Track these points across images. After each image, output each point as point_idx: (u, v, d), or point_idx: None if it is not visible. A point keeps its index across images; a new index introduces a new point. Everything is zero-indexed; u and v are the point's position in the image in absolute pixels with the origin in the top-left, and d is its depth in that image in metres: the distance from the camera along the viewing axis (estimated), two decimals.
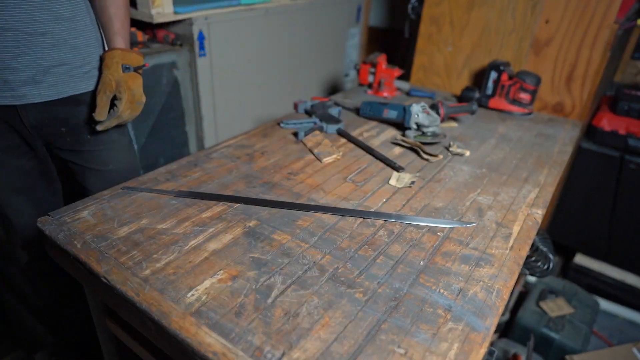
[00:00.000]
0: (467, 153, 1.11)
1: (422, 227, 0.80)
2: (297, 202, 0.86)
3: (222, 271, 0.66)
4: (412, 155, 1.10)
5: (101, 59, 0.99)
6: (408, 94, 1.60)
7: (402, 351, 0.54)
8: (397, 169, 1.01)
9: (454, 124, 1.31)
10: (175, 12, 1.49)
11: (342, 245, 0.73)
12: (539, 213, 0.87)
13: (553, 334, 1.54)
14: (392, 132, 1.23)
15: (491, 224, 0.82)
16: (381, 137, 1.20)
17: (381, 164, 1.04)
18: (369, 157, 1.08)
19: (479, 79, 1.61)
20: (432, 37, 1.66)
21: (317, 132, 1.16)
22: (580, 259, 1.95)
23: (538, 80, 1.38)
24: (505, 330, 1.68)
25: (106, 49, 1.02)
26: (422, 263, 0.70)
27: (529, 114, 1.43)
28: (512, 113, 1.44)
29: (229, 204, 0.83)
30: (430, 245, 0.75)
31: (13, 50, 0.86)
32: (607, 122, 1.71)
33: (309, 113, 1.28)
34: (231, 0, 1.64)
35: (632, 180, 1.70)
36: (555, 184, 1.01)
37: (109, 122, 0.98)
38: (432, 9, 1.63)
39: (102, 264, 0.66)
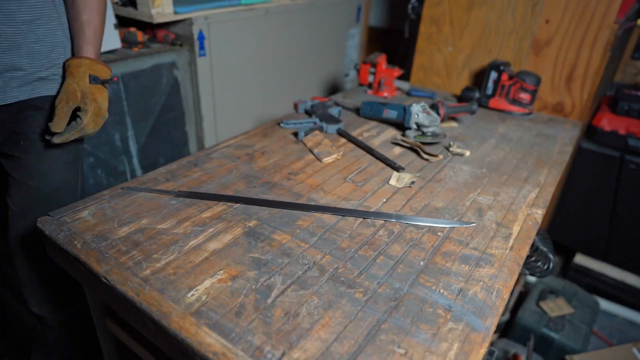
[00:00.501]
0: (467, 153, 1.11)
1: (422, 227, 0.80)
2: (297, 202, 0.86)
3: (222, 271, 0.66)
4: (412, 155, 1.10)
5: (65, 66, 0.92)
6: (408, 94, 1.60)
7: (402, 351, 0.54)
8: (397, 169, 1.01)
9: (454, 124, 1.31)
10: (175, 12, 1.49)
11: (342, 245, 0.73)
12: (539, 213, 0.87)
13: (553, 334, 1.54)
14: (392, 132, 1.23)
15: (491, 224, 0.82)
16: (381, 137, 1.20)
17: (381, 164, 1.04)
18: (369, 157, 1.08)
19: (479, 79, 1.61)
20: (432, 37, 1.66)
21: (317, 132, 1.16)
22: (580, 259, 1.95)
23: (538, 80, 1.38)
24: (505, 330, 1.68)
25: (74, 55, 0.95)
26: (422, 263, 0.70)
27: (529, 114, 1.43)
28: (512, 113, 1.44)
29: (229, 204, 0.83)
30: (430, 245, 0.75)
31: None
32: (607, 122, 1.71)
33: (309, 113, 1.28)
34: (231, 0, 1.64)
35: (632, 180, 1.70)
36: (555, 184, 1.01)
37: (68, 135, 0.89)
38: (432, 9, 1.63)
39: (102, 264, 0.66)
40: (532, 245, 1.16)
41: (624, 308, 1.87)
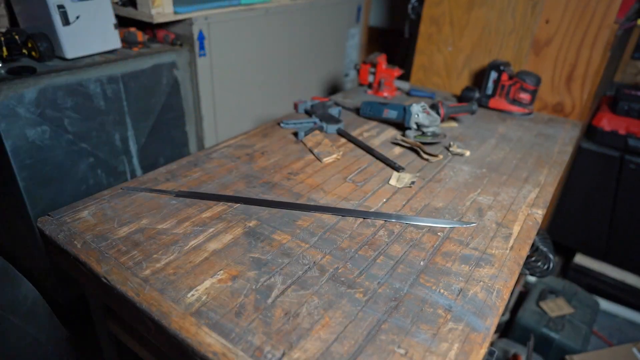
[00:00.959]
0: (467, 153, 1.11)
1: (422, 227, 0.80)
2: (297, 202, 0.86)
3: (222, 271, 0.66)
4: (412, 155, 1.10)
5: None
6: (408, 94, 1.60)
7: (402, 351, 0.54)
8: (397, 169, 1.01)
9: (454, 124, 1.31)
10: (175, 12, 1.49)
11: (342, 245, 0.73)
12: (539, 213, 0.87)
13: (553, 334, 1.54)
14: (392, 132, 1.23)
15: (491, 224, 0.82)
16: (381, 137, 1.20)
17: (381, 164, 1.04)
18: (369, 157, 1.08)
19: (479, 79, 1.61)
20: (432, 37, 1.66)
21: (317, 132, 1.16)
22: (580, 259, 1.95)
23: (538, 80, 1.38)
24: (505, 330, 1.68)
25: None
26: (422, 263, 0.70)
27: (529, 114, 1.43)
28: (512, 113, 1.44)
29: (229, 204, 0.83)
30: (430, 246, 0.75)
31: None
32: (607, 122, 1.71)
33: (309, 113, 1.28)
34: (231, 0, 1.64)
35: (632, 180, 1.70)
36: (555, 184, 1.01)
37: None
38: (432, 9, 1.63)
39: (102, 264, 0.66)
40: (532, 245, 1.16)
41: (624, 308, 1.87)
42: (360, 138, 1.17)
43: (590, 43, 1.37)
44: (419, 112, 1.16)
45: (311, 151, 1.08)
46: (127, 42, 1.48)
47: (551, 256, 1.19)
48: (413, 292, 0.64)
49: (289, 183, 0.93)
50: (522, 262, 0.73)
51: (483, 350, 0.55)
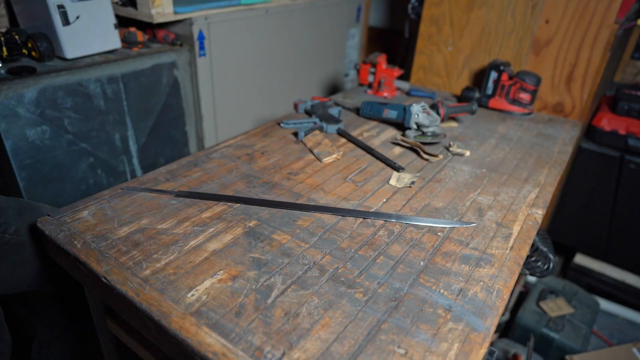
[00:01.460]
0: (467, 153, 1.11)
1: (422, 227, 0.80)
2: (297, 202, 0.86)
3: (222, 271, 0.66)
4: (412, 155, 1.10)
5: None
6: (408, 94, 1.60)
7: (402, 351, 0.54)
8: (397, 169, 1.01)
9: (454, 124, 1.31)
10: (175, 12, 1.49)
11: (342, 245, 0.73)
12: (539, 213, 0.87)
13: (553, 334, 1.54)
14: (392, 132, 1.23)
15: (491, 224, 0.82)
16: (381, 137, 1.20)
17: (381, 164, 1.04)
18: (369, 157, 1.08)
19: (479, 79, 1.61)
20: (432, 37, 1.66)
21: (317, 132, 1.16)
22: (580, 259, 1.95)
23: (538, 80, 1.38)
24: (505, 330, 1.68)
25: None
26: (422, 263, 0.70)
27: (529, 114, 1.43)
28: (512, 113, 1.44)
29: (229, 204, 0.83)
30: (430, 245, 0.75)
31: None
32: (607, 122, 1.71)
33: (309, 113, 1.28)
34: (231, 0, 1.64)
35: (632, 180, 1.70)
36: (555, 184, 1.01)
37: None
38: (432, 9, 1.63)
39: (102, 264, 0.66)
40: (532, 245, 1.16)
41: (624, 308, 1.87)
42: (360, 138, 1.17)
43: (590, 43, 1.37)
44: (419, 112, 1.16)
45: (311, 151, 1.08)
46: (127, 42, 1.48)
47: (551, 256, 1.19)
48: (413, 292, 0.64)
49: (289, 183, 0.93)
50: (522, 262, 0.73)
51: (483, 350, 0.55)
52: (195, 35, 1.53)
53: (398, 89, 1.59)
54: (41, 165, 1.26)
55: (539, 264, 1.17)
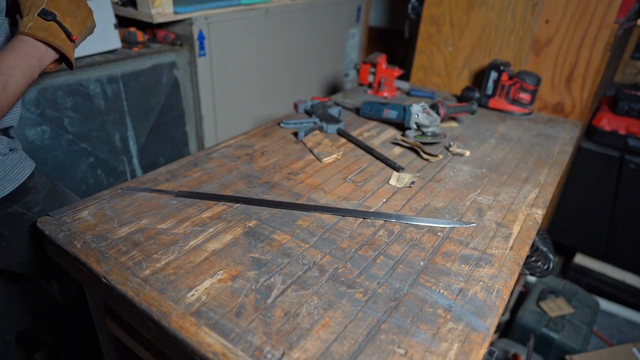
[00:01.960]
0: (467, 153, 1.11)
1: (422, 227, 0.80)
2: (297, 202, 0.86)
3: (222, 271, 0.66)
4: (412, 155, 1.10)
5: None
6: (408, 94, 1.60)
7: (402, 351, 0.54)
8: (397, 169, 1.01)
9: (454, 124, 1.31)
10: (175, 12, 1.49)
11: (342, 245, 0.73)
12: (539, 213, 0.87)
13: (553, 334, 1.54)
14: (392, 132, 1.23)
15: (491, 224, 0.82)
16: (381, 137, 1.20)
17: (381, 164, 1.04)
18: (369, 157, 1.08)
19: (479, 79, 1.61)
20: (432, 37, 1.66)
21: (317, 132, 1.16)
22: (580, 259, 1.95)
23: (538, 80, 1.38)
24: (505, 330, 1.68)
25: None
26: (422, 263, 0.70)
27: (529, 114, 1.43)
28: (512, 113, 1.44)
29: (229, 204, 0.83)
30: (430, 245, 0.75)
31: None
32: (607, 122, 1.71)
33: (309, 113, 1.28)
34: (231, 0, 1.64)
35: (632, 180, 1.70)
36: (555, 184, 1.01)
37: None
38: (432, 9, 1.63)
39: (102, 264, 0.66)
40: (532, 245, 1.16)
41: (624, 308, 1.87)
42: (360, 138, 1.17)
43: (590, 43, 1.37)
44: (419, 112, 1.16)
45: (311, 151, 1.08)
46: (127, 42, 1.48)
47: (551, 256, 1.19)
48: (413, 292, 0.64)
49: (289, 183, 0.93)
50: (522, 262, 0.73)
51: (483, 350, 0.55)
52: (195, 35, 1.53)
53: (398, 89, 1.59)
54: (41, 165, 1.25)
55: (539, 264, 1.17)
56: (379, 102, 1.28)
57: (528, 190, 0.96)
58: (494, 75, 1.43)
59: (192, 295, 0.61)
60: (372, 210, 0.85)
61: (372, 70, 1.55)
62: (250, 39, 1.76)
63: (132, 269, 0.65)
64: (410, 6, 2.01)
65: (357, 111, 1.36)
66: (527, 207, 0.89)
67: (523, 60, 1.51)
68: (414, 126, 1.18)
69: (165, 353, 0.60)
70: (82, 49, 1.34)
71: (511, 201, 0.91)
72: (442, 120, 1.26)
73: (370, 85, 1.59)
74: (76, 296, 1.41)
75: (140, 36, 1.49)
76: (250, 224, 0.77)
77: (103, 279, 0.64)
